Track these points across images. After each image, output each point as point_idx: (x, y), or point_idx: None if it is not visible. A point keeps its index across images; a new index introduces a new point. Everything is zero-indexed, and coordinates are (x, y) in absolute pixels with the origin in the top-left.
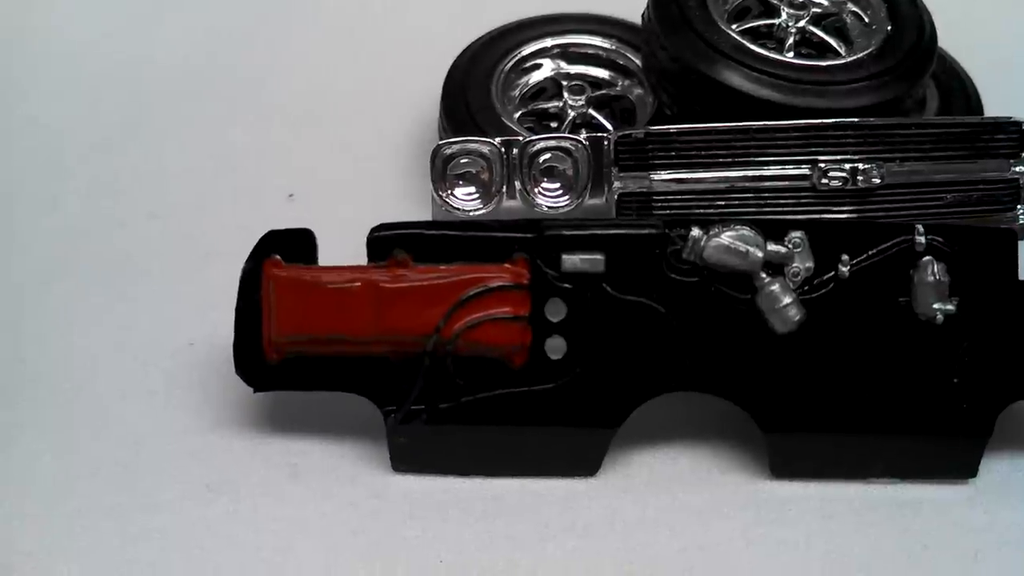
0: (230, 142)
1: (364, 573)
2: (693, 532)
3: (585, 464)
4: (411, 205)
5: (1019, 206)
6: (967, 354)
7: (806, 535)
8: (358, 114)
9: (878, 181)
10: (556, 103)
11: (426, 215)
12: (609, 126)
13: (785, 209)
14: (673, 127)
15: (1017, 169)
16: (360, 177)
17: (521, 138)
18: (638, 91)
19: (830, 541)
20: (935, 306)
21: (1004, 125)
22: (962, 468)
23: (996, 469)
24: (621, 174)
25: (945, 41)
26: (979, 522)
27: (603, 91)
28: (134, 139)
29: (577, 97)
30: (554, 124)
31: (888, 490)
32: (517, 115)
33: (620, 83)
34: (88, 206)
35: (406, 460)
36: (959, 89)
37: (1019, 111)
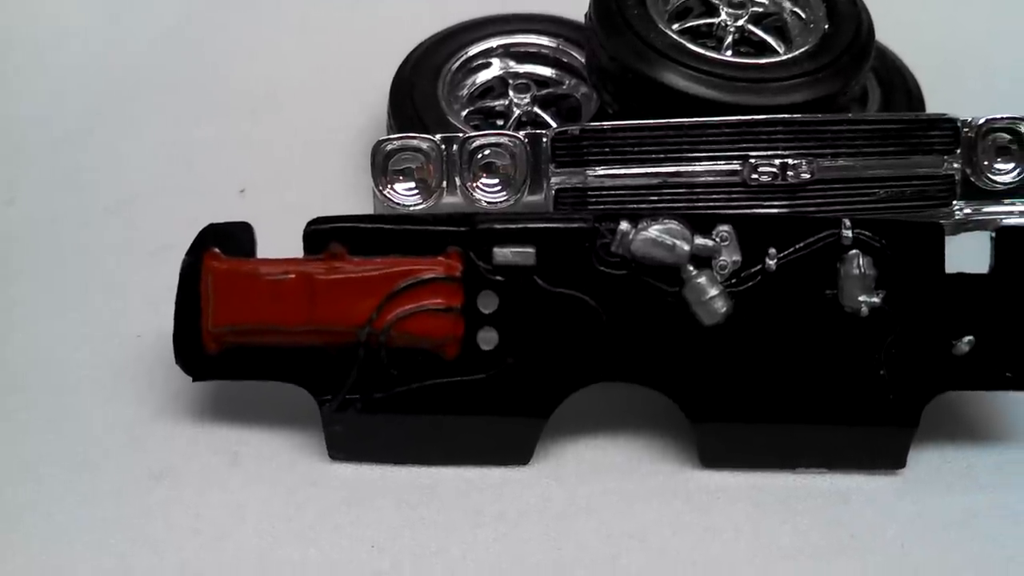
0: (185, 137)
1: (299, 558)
2: (622, 520)
3: (517, 453)
4: (359, 199)
5: (955, 201)
6: (893, 346)
7: (734, 524)
8: (311, 110)
9: (808, 176)
10: (502, 101)
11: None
12: (554, 124)
13: (717, 204)
14: (607, 124)
15: (952, 165)
16: (311, 172)
17: (460, 134)
18: (584, 89)
19: (758, 530)
20: (861, 299)
21: (938, 122)
22: (890, 459)
23: (925, 460)
24: (558, 170)
25: (887, 37)
26: (907, 513)
27: (549, 89)
28: (92, 134)
29: (522, 95)
30: (500, 122)
31: (817, 480)
32: (464, 113)
33: (566, 82)
34: (44, 200)
35: (342, 448)
36: (900, 84)
37: (960, 106)
